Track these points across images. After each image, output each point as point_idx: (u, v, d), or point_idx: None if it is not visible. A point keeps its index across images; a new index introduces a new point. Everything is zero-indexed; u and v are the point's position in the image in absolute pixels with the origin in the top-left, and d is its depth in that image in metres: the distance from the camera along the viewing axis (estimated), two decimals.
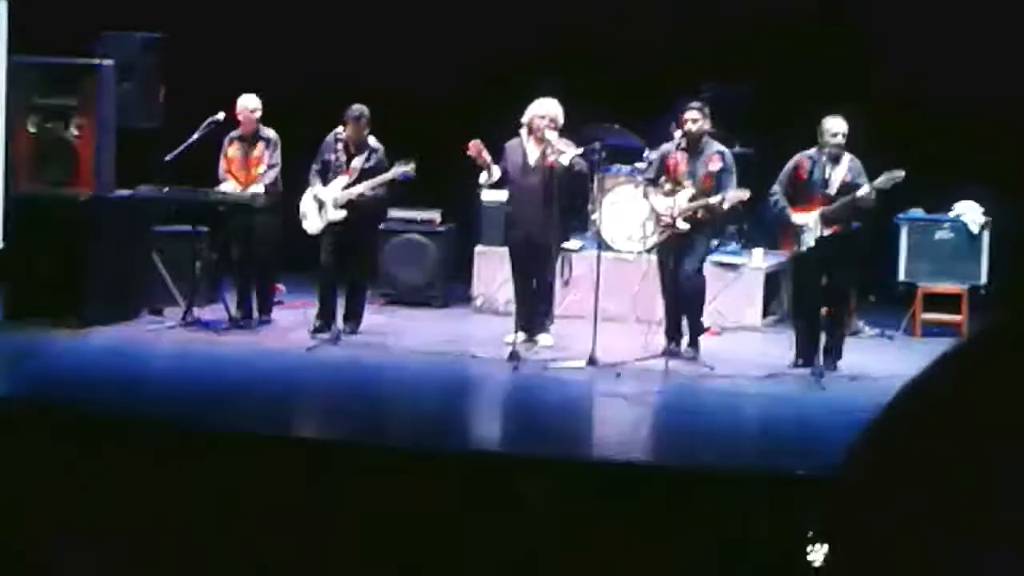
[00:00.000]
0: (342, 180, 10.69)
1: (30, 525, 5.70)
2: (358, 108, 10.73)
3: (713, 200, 9.92)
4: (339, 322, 10.73)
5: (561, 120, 10.48)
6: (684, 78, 11.78)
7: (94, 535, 5.90)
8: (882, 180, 9.60)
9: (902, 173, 9.56)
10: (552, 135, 10.36)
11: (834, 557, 1.27)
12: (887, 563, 1.22)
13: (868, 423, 1.35)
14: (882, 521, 1.23)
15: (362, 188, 10.65)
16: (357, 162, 10.73)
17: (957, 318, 11.53)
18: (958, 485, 1.20)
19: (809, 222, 9.71)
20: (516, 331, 10.41)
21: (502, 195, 11.17)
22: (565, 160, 10.30)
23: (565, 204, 10.55)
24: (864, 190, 9.60)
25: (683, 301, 10.10)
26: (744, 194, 9.94)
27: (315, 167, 10.85)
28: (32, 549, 5.40)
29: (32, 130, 10.93)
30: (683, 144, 10.17)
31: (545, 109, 10.45)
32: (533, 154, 10.52)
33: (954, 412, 1.25)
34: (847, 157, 9.73)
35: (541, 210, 10.35)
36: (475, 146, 10.41)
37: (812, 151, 9.80)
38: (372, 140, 10.80)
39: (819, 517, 1.34)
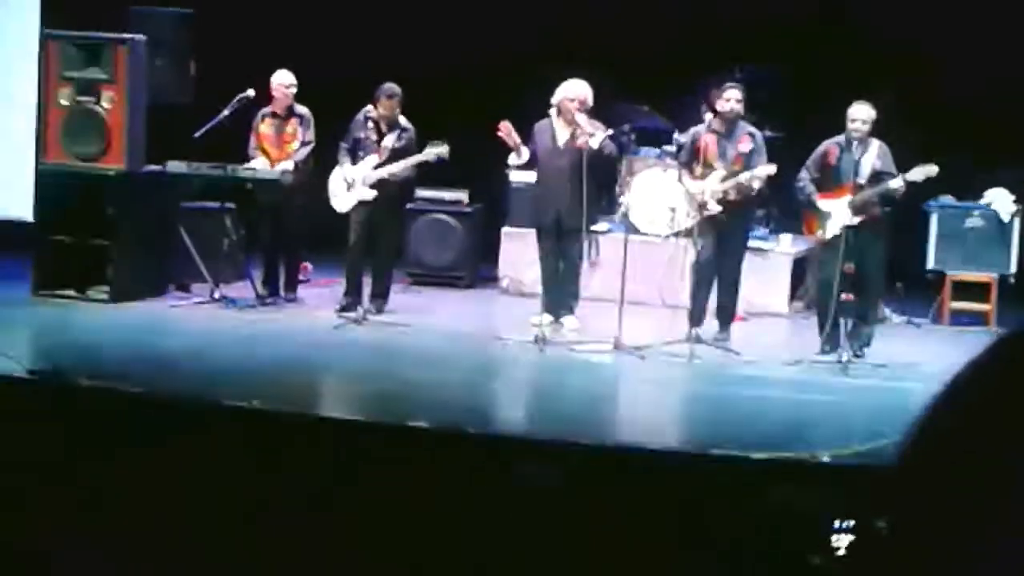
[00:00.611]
0: (372, 159, 10.69)
1: (49, 501, 5.72)
2: (390, 87, 10.72)
3: (743, 177, 9.88)
4: (365, 301, 10.74)
5: (591, 102, 10.44)
6: (710, 63, 11.78)
7: (113, 508, 5.92)
8: (915, 173, 9.51)
9: (935, 168, 9.47)
10: (582, 117, 10.33)
11: (878, 543, 1.27)
12: (925, 554, 1.21)
13: (919, 413, 1.35)
14: (926, 511, 1.22)
15: (393, 168, 10.65)
16: (388, 141, 10.72)
17: (985, 307, 11.49)
18: (996, 482, 1.20)
19: (836, 209, 9.66)
20: (542, 313, 10.41)
21: (530, 176, 11.16)
22: (595, 143, 10.27)
23: (593, 186, 10.52)
24: (896, 183, 9.52)
25: (721, 290, 10.10)
26: (771, 168, 9.90)
27: (344, 145, 10.85)
28: (49, 530, 5.43)
29: (64, 103, 10.96)
30: (714, 125, 10.13)
31: (575, 91, 10.42)
32: (562, 135, 10.50)
33: (998, 406, 1.25)
34: (876, 144, 9.67)
35: (569, 192, 10.32)
36: (505, 127, 10.39)
37: (840, 138, 9.74)
38: (403, 120, 10.79)
39: (867, 505, 1.34)
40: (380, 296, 10.94)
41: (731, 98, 10.00)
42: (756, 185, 9.97)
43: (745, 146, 10.03)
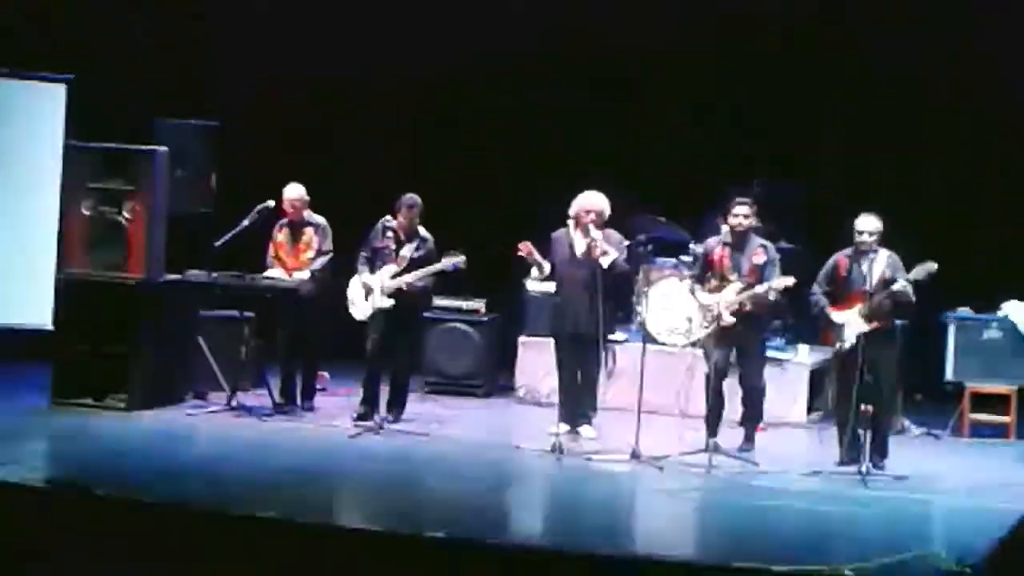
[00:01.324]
0: (391, 268, 10.73)
1: None
2: (411, 197, 10.79)
3: (759, 289, 9.91)
4: (382, 410, 10.74)
5: (608, 214, 10.50)
6: (731, 173, 11.89)
7: None
8: (916, 272, 9.53)
9: (935, 265, 9.46)
10: (596, 233, 10.36)
11: None
12: None
13: (1009, 528, 1.37)
14: None
15: (411, 278, 10.68)
16: (407, 251, 10.77)
17: (1005, 419, 11.45)
18: None
19: (849, 319, 9.67)
20: (559, 422, 10.39)
21: (548, 286, 11.18)
22: (606, 262, 10.31)
23: (610, 298, 10.53)
24: (900, 284, 9.53)
25: (745, 400, 10.16)
26: (789, 280, 9.92)
27: (364, 254, 10.90)
28: None
29: (86, 212, 11.05)
30: (727, 239, 10.19)
31: (591, 203, 10.47)
32: (580, 246, 10.54)
33: None
34: (885, 253, 9.69)
35: (588, 302, 10.34)
36: (525, 247, 10.43)
37: (849, 250, 9.78)
38: (422, 230, 10.85)
39: None
40: (397, 405, 10.93)
41: (739, 214, 10.09)
42: (772, 296, 10.00)
43: (759, 258, 10.08)
